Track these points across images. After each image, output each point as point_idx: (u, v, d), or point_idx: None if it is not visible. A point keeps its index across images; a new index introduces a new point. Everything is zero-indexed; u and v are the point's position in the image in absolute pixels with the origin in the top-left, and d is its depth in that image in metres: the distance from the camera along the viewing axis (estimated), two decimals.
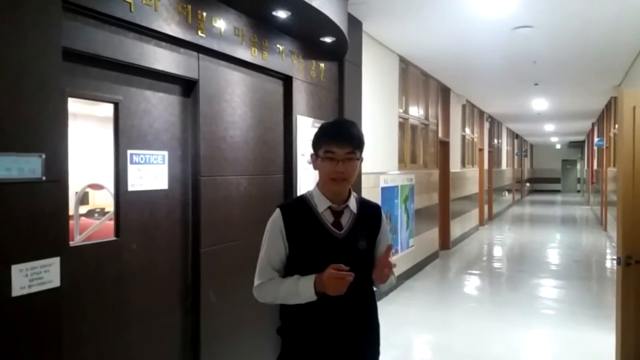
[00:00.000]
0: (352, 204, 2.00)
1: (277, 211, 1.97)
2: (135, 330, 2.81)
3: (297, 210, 1.97)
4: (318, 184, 2.01)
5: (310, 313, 1.90)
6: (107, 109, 2.79)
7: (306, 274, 1.89)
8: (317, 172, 2.00)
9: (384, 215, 2.12)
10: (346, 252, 1.92)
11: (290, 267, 1.95)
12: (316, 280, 1.84)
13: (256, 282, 1.98)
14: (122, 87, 2.75)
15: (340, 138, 1.91)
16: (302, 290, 1.86)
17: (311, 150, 2.01)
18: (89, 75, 2.56)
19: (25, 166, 2.04)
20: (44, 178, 2.11)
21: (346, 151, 1.90)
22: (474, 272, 8.23)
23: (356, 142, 1.93)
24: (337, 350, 1.93)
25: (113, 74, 2.69)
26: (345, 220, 1.97)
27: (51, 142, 2.14)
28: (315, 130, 2.03)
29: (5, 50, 1.98)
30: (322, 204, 1.96)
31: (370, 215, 2.05)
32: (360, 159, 1.97)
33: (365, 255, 1.97)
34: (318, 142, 1.96)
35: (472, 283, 7.53)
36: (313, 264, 1.88)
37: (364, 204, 2.07)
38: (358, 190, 5.20)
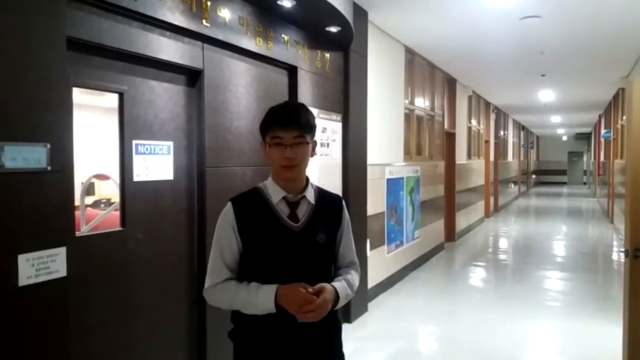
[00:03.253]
0: (310, 194, 1.85)
1: (228, 204, 1.81)
2: (141, 320, 2.82)
3: (250, 202, 1.82)
4: (272, 174, 1.86)
5: (265, 316, 1.74)
6: (112, 100, 2.78)
7: (262, 271, 1.76)
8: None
9: (345, 208, 1.97)
10: (303, 245, 1.79)
11: (245, 264, 1.80)
12: (278, 293, 1.69)
13: (207, 283, 1.81)
14: (126, 77, 2.74)
15: (287, 122, 1.75)
16: (260, 300, 1.70)
17: (261, 138, 1.84)
18: (93, 64, 2.55)
19: (30, 156, 2.04)
20: (49, 168, 2.11)
21: (294, 135, 1.75)
22: (479, 263, 8.22)
23: (304, 125, 1.77)
24: (294, 354, 1.78)
25: (118, 64, 2.68)
26: (303, 212, 1.82)
27: (56, 132, 2.14)
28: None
29: (9, 40, 1.97)
30: (276, 195, 1.81)
31: (330, 207, 1.91)
32: (312, 144, 1.82)
33: (324, 250, 1.84)
34: (265, 127, 1.79)
35: (477, 275, 7.51)
36: (268, 260, 1.77)
37: (323, 195, 1.91)
38: (363, 182, 5.18)
